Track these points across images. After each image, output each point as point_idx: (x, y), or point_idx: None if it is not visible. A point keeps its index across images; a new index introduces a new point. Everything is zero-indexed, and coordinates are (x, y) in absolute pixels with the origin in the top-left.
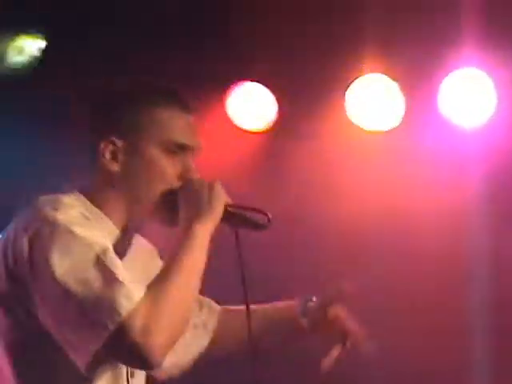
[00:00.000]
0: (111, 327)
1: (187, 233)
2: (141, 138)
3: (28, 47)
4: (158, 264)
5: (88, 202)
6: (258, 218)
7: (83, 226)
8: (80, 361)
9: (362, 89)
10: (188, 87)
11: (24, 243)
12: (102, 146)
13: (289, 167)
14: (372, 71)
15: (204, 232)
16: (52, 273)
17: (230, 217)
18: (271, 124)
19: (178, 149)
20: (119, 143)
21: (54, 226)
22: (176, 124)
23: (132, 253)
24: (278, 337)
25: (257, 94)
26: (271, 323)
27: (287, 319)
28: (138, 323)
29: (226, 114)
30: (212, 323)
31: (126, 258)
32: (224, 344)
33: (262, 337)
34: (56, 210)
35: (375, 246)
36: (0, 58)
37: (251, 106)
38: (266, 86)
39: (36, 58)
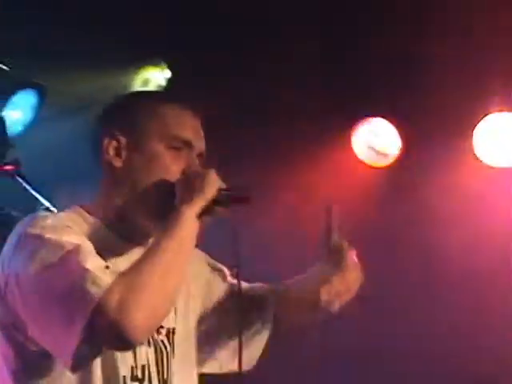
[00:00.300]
0: (85, 317)
1: (173, 215)
2: (144, 134)
3: (153, 78)
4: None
5: (84, 213)
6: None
7: (56, 231)
8: (65, 360)
9: (489, 126)
10: (315, 123)
11: (6, 263)
12: (106, 142)
13: (413, 202)
14: (498, 109)
15: (190, 212)
16: (28, 280)
17: (223, 199)
18: (395, 159)
19: (183, 145)
20: (123, 140)
21: (26, 238)
22: (181, 121)
23: None
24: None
25: (381, 129)
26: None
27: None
28: (111, 304)
29: (351, 149)
30: (269, 315)
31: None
32: (286, 324)
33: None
34: (29, 225)
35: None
36: (126, 90)
37: (376, 141)
38: (390, 121)
39: (162, 88)
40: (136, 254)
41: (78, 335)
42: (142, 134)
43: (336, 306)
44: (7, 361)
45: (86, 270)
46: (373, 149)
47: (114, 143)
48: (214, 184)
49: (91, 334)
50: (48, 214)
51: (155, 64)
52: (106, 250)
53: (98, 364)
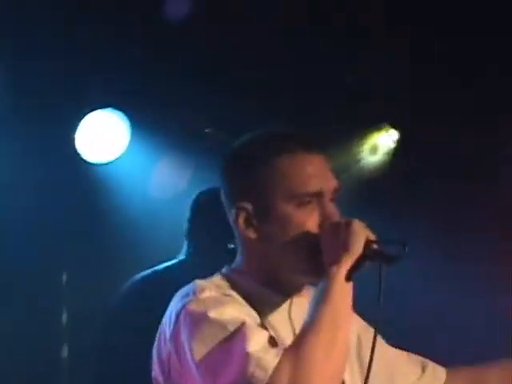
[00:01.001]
0: None
1: (324, 280)
2: (269, 197)
3: (381, 143)
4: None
5: (236, 278)
6: (396, 249)
7: (217, 307)
8: None
9: None
10: None
11: (167, 340)
12: (235, 214)
13: None
14: None
15: (340, 276)
16: (192, 360)
17: (372, 255)
18: None
19: (312, 197)
20: (249, 207)
21: (186, 315)
22: (303, 171)
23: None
24: None
25: None
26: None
27: None
28: None
29: None
30: None
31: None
32: None
33: None
34: (191, 300)
35: None
36: (356, 160)
37: None
38: None
39: (390, 151)
40: (295, 306)
41: None
42: (267, 199)
43: None
44: None
45: (249, 354)
46: None
47: (243, 214)
48: (360, 237)
49: None
50: (204, 283)
51: (380, 128)
52: (264, 309)
53: None
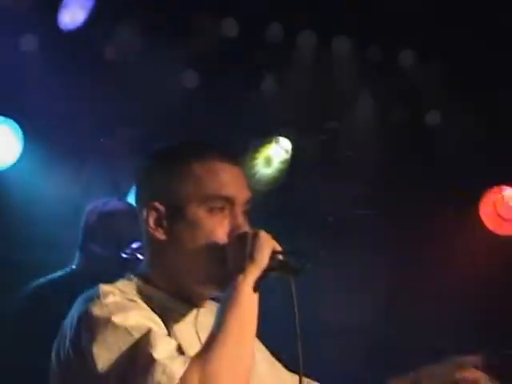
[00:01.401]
0: None
1: (230, 289)
2: (182, 200)
3: (275, 154)
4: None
5: (141, 283)
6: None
7: (121, 312)
8: None
9: None
10: (445, 197)
11: (70, 338)
12: (145, 213)
13: None
14: None
15: (245, 286)
16: (95, 366)
17: (278, 266)
18: None
19: (223, 203)
20: (162, 208)
21: (90, 319)
22: (217, 177)
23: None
24: None
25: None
26: None
27: None
28: None
29: (480, 219)
30: None
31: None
32: None
33: None
34: (94, 304)
35: None
36: (251, 173)
37: (503, 211)
38: None
39: (284, 161)
40: (201, 316)
41: None
42: (180, 201)
43: None
44: None
45: (156, 361)
46: (501, 217)
47: (154, 214)
48: (266, 248)
49: None
50: (109, 287)
51: (272, 140)
52: (169, 317)
53: None
